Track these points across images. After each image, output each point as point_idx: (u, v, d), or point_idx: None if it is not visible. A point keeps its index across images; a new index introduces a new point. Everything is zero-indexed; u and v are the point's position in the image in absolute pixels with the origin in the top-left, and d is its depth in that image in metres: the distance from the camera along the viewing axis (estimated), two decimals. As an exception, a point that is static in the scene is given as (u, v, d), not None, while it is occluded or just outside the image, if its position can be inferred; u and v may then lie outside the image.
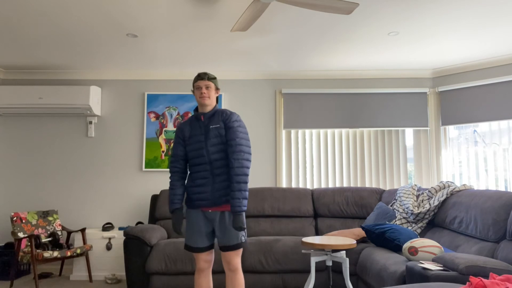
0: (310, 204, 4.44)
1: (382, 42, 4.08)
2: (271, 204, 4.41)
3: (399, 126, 4.95)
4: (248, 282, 3.66)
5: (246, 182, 2.45)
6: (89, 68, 4.99)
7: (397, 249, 3.22)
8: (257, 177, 4.99)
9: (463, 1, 3.20)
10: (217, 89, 2.66)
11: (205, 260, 2.61)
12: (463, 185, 3.57)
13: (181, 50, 4.31)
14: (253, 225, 4.36)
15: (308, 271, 3.65)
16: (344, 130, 5.05)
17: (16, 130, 5.05)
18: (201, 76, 2.60)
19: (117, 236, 4.47)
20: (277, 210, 4.40)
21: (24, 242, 4.20)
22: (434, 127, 4.94)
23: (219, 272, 3.64)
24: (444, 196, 3.53)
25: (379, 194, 4.37)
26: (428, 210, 3.60)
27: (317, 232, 4.36)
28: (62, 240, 4.53)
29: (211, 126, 2.55)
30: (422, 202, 3.79)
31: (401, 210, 3.85)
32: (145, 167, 4.95)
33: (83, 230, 4.39)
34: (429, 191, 3.79)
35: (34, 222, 4.44)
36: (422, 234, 3.65)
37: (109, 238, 4.46)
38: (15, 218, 4.31)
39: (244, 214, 2.43)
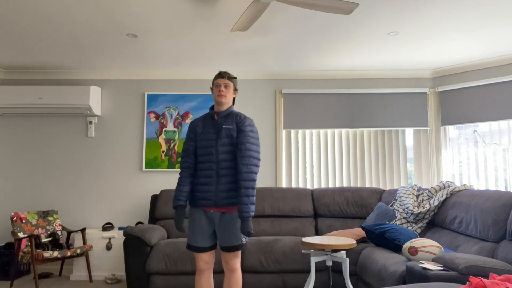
0: (310, 204, 4.44)
1: (382, 42, 4.08)
2: (271, 204, 4.41)
3: (399, 126, 4.95)
4: (248, 282, 3.66)
5: (253, 188, 2.43)
6: (89, 68, 4.99)
7: (397, 249, 3.22)
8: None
9: (463, 1, 3.20)
10: (235, 90, 2.66)
11: (206, 261, 2.59)
12: (463, 185, 3.57)
13: (181, 50, 4.31)
14: (253, 225, 4.36)
15: (308, 271, 3.65)
16: (344, 130, 5.05)
17: (16, 130, 5.05)
18: (221, 75, 2.61)
19: (117, 236, 4.47)
20: (277, 210, 4.40)
21: (24, 242, 4.20)
22: (434, 127, 4.94)
23: (219, 272, 3.64)
24: (444, 196, 3.53)
25: (379, 194, 4.37)
26: (428, 210, 3.60)
27: (317, 232, 4.36)
28: (62, 240, 4.53)
29: (223, 126, 2.54)
30: (422, 202, 3.79)
31: (401, 210, 3.85)
32: (145, 167, 4.95)
33: (83, 230, 4.39)
34: (429, 191, 3.79)
35: (34, 222, 4.44)
36: (422, 234, 3.65)
37: (109, 238, 4.46)
38: (15, 218, 4.31)
39: (251, 219, 2.42)
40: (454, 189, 3.54)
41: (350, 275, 3.57)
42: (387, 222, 3.71)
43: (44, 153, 5.02)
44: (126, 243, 3.69)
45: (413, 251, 2.79)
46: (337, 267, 3.64)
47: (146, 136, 5.00)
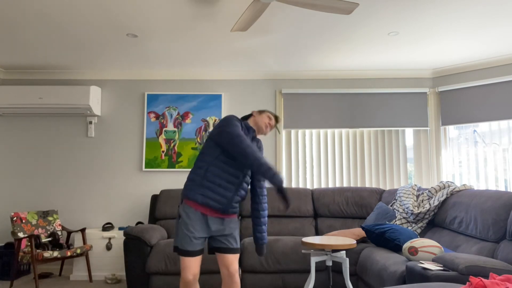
0: (310, 204, 4.44)
1: (382, 42, 4.08)
2: (271, 204, 4.41)
3: (399, 126, 4.95)
4: (248, 282, 3.67)
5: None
6: (89, 68, 4.98)
7: (397, 249, 3.22)
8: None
9: (463, 1, 3.20)
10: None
11: (194, 273, 2.40)
12: (463, 185, 3.57)
13: (181, 50, 4.31)
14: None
15: (308, 271, 3.65)
16: (344, 130, 5.05)
17: (16, 130, 5.05)
18: (277, 120, 2.73)
19: (117, 236, 4.47)
20: (277, 210, 4.40)
21: (24, 242, 4.20)
22: (434, 127, 4.94)
23: (217, 272, 3.64)
24: (444, 196, 3.53)
25: (379, 194, 4.37)
26: (428, 210, 3.60)
27: (317, 232, 4.36)
28: (62, 240, 4.53)
29: (258, 145, 2.69)
30: (422, 202, 3.79)
31: (401, 210, 3.85)
32: (145, 167, 4.95)
33: (83, 230, 4.39)
34: (429, 191, 3.79)
35: (34, 222, 4.44)
36: (422, 234, 3.65)
37: (109, 238, 4.46)
38: (15, 218, 4.31)
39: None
40: (454, 189, 3.54)
41: (350, 275, 3.57)
42: (387, 222, 3.71)
43: (44, 153, 5.02)
44: (126, 243, 3.69)
45: (413, 251, 2.79)
46: (337, 267, 3.64)
47: (146, 136, 5.00)
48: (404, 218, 3.78)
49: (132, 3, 3.22)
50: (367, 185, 4.96)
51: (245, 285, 3.67)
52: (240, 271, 3.71)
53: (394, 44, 4.14)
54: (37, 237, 4.19)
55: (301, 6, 2.79)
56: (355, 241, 3.10)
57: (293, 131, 5.05)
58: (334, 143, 5.04)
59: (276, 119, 2.71)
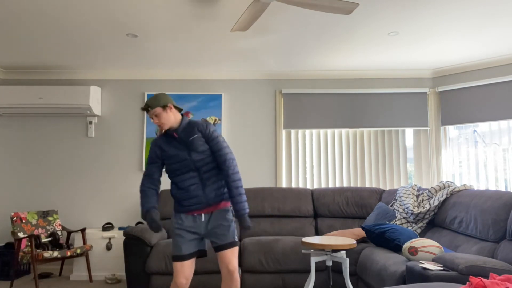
0: (310, 204, 4.44)
1: (382, 42, 4.08)
2: (271, 204, 4.41)
3: (399, 126, 4.95)
4: (248, 282, 3.66)
5: (242, 186, 2.55)
6: (89, 68, 4.99)
7: (397, 249, 3.22)
8: (257, 177, 4.99)
9: (463, 1, 3.20)
10: (165, 106, 2.53)
11: (187, 276, 2.50)
12: (463, 185, 3.57)
13: (181, 50, 4.31)
14: (253, 225, 4.36)
15: (308, 271, 3.65)
16: (344, 130, 5.05)
17: (16, 130, 5.05)
18: (144, 109, 2.57)
19: (117, 236, 4.47)
20: (277, 210, 4.40)
21: (24, 242, 4.20)
22: (434, 127, 4.94)
23: (217, 272, 3.64)
24: (444, 196, 3.53)
25: (379, 194, 4.37)
26: (428, 210, 3.60)
27: (317, 232, 4.36)
28: (62, 240, 4.53)
29: (190, 138, 2.54)
30: (422, 202, 3.79)
31: (401, 210, 3.85)
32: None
33: (83, 230, 4.39)
34: (429, 191, 3.79)
35: (34, 222, 4.44)
36: (422, 234, 3.65)
37: (109, 238, 4.46)
38: (15, 218, 4.31)
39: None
40: (454, 189, 3.54)
41: (350, 275, 3.57)
42: (387, 222, 3.71)
43: (44, 153, 5.02)
44: (126, 243, 3.69)
45: (413, 251, 2.79)
46: (337, 267, 3.64)
47: (146, 136, 5.00)
48: (404, 218, 3.78)
49: (132, 3, 3.22)
50: (367, 185, 4.96)
51: (245, 285, 3.67)
52: (240, 271, 3.71)
53: (394, 44, 4.14)
54: (37, 237, 4.19)
55: (301, 6, 2.79)
56: (355, 241, 3.10)
57: (293, 131, 5.05)
58: (334, 143, 5.04)
59: (144, 110, 2.59)
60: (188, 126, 2.60)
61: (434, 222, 3.64)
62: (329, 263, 3.20)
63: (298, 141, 5.05)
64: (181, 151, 2.55)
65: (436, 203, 3.56)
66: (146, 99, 5.04)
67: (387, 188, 4.94)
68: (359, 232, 3.82)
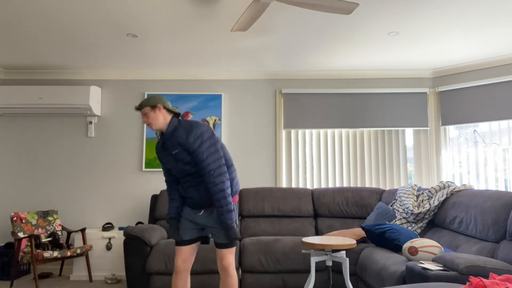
0: (310, 204, 4.44)
1: (382, 42, 4.08)
2: (271, 204, 4.41)
3: (399, 126, 4.95)
4: (248, 282, 3.66)
5: (225, 197, 2.44)
6: (89, 68, 4.99)
7: (397, 249, 3.22)
8: (257, 177, 4.99)
9: (463, 1, 3.20)
10: (154, 107, 2.53)
11: (184, 259, 2.62)
12: (463, 185, 3.57)
13: (181, 50, 4.31)
14: (253, 225, 4.36)
15: (308, 271, 3.65)
16: (344, 130, 5.05)
17: (16, 130, 5.05)
18: (136, 108, 2.59)
19: (117, 236, 4.47)
20: (277, 210, 4.40)
21: (24, 242, 4.20)
22: (434, 127, 4.94)
23: (216, 272, 3.64)
24: (444, 196, 3.53)
25: (379, 194, 4.37)
26: (428, 210, 3.60)
27: (317, 232, 4.36)
28: (62, 240, 4.53)
29: (172, 152, 2.52)
30: (422, 202, 3.79)
31: (401, 210, 3.85)
32: (145, 167, 4.95)
33: (83, 230, 4.39)
34: (429, 191, 3.79)
35: (34, 222, 4.44)
36: (422, 234, 3.65)
37: (109, 238, 4.46)
38: (15, 218, 4.31)
39: (234, 225, 2.48)
40: (454, 189, 3.54)
41: (350, 275, 3.57)
42: (387, 222, 3.71)
43: (44, 153, 5.02)
44: (126, 243, 3.69)
45: (413, 251, 2.79)
46: (337, 267, 3.64)
47: (146, 136, 5.00)
48: (404, 218, 3.78)
49: (132, 3, 3.22)
50: (367, 185, 4.96)
51: (245, 285, 3.67)
52: (240, 271, 3.71)
53: (394, 44, 4.14)
54: (37, 237, 4.19)
55: (301, 6, 2.79)
56: (355, 241, 3.09)
57: (293, 131, 5.05)
58: (334, 143, 5.04)
59: (136, 108, 2.61)
60: (173, 132, 2.54)
61: (434, 222, 3.64)
62: (329, 263, 3.20)
63: (298, 141, 5.05)
64: (170, 159, 2.56)
65: (436, 203, 3.56)
66: (146, 99, 5.03)
67: (387, 188, 4.94)
68: (359, 232, 3.82)
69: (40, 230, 4.45)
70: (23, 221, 4.36)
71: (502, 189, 4.47)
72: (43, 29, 3.75)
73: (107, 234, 4.46)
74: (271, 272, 3.66)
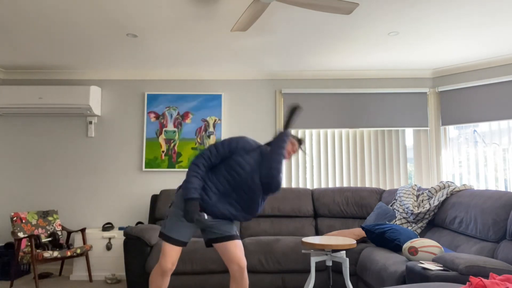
0: (310, 204, 4.44)
1: (382, 42, 4.08)
2: (271, 204, 4.41)
3: (399, 126, 4.95)
4: (248, 282, 3.66)
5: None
6: (89, 68, 4.99)
7: (397, 249, 3.22)
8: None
9: (463, 1, 3.20)
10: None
11: (174, 261, 2.48)
12: (463, 185, 3.57)
13: (181, 50, 4.31)
14: (253, 225, 4.36)
15: (308, 271, 3.65)
16: (344, 130, 5.05)
17: (16, 130, 5.05)
18: (301, 142, 2.70)
19: (117, 236, 4.47)
20: (277, 210, 4.40)
21: (24, 242, 4.20)
22: (434, 127, 4.94)
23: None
24: (444, 196, 3.53)
25: (379, 194, 4.37)
26: (428, 210, 3.60)
27: (317, 232, 4.36)
28: (62, 240, 4.53)
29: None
30: (422, 202, 3.79)
31: (401, 210, 3.85)
32: (145, 167, 4.95)
33: (83, 230, 4.39)
34: (429, 191, 3.79)
35: (34, 222, 4.44)
36: (422, 234, 3.65)
37: (109, 238, 4.46)
38: (15, 218, 4.31)
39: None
40: (454, 189, 3.54)
41: (350, 275, 3.57)
42: (387, 222, 3.71)
43: (44, 153, 5.02)
44: (126, 243, 3.69)
45: (413, 251, 2.79)
46: (337, 267, 3.64)
47: (146, 136, 5.00)
48: (404, 218, 3.78)
49: (132, 3, 3.22)
50: (367, 185, 4.97)
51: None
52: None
53: (394, 44, 4.14)
54: (37, 237, 4.20)
55: (301, 6, 2.79)
56: (355, 241, 3.09)
57: (293, 131, 5.05)
58: (334, 143, 5.04)
59: (300, 142, 2.69)
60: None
61: (434, 222, 3.64)
62: (329, 263, 3.20)
63: (298, 141, 5.04)
64: (255, 168, 2.62)
65: (436, 203, 3.56)
66: (146, 99, 5.04)
67: (387, 188, 4.94)
68: (359, 232, 3.82)
69: (40, 230, 4.45)
70: (23, 221, 4.36)
71: (502, 189, 4.47)
72: (43, 29, 3.75)
73: (107, 234, 4.46)
74: (271, 272, 3.66)
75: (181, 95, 5.06)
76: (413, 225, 3.70)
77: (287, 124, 2.65)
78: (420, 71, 5.02)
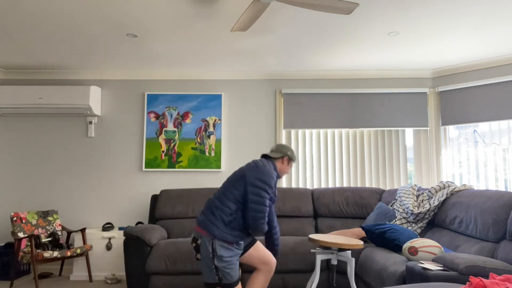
0: (310, 204, 4.44)
1: (382, 42, 4.08)
2: (271, 204, 4.40)
3: (399, 126, 4.95)
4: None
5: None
6: (89, 68, 4.99)
7: (397, 249, 3.22)
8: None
9: (463, 1, 3.20)
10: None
11: None
12: (463, 185, 3.57)
13: (181, 50, 4.31)
14: (253, 225, 4.35)
15: (308, 271, 3.65)
16: (344, 130, 5.05)
17: (16, 130, 5.05)
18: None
19: (117, 236, 4.47)
20: (277, 210, 4.40)
21: (24, 242, 4.20)
22: (434, 127, 4.94)
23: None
24: (444, 196, 3.53)
25: (379, 194, 4.37)
26: (428, 210, 3.60)
27: (317, 232, 4.36)
28: (62, 240, 4.53)
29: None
30: (422, 202, 3.79)
31: (401, 210, 3.85)
32: (145, 167, 4.95)
33: (83, 230, 4.39)
34: (429, 191, 3.79)
35: (34, 222, 4.44)
36: (422, 234, 3.65)
37: (109, 238, 4.46)
38: (15, 218, 4.31)
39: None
40: (454, 189, 3.54)
41: (350, 275, 3.56)
42: (387, 222, 3.71)
43: (44, 153, 5.02)
44: (126, 243, 3.69)
45: (413, 251, 2.79)
46: (337, 267, 3.64)
47: (146, 136, 5.00)
48: (404, 218, 3.78)
49: (132, 3, 3.22)
50: (367, 185, 4.97)
51: (245, 284, 3.67)
52: (240, 271, 3.71)
53: (394, 44, 4.14)
54: (37, 237, 4.20)
55: (301, 6, 2.79)
56: (362, 242, 3.07)
57: (293, 131, 5.05)
58: (334, 143, 5.04)
59: (290, 159, 2.93)
60: None
61: (434, 222, 3.65)
62: (335, 262, 3.16)
63: (298, 141, 5.05)
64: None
65: (436, 203, 3.56)
66: (146, 99, 5.04)
67: (387, 188, 4.94)
68: (359, 232, 3.82)
69: (40, 230, 4.45)
70: (23, 221, 4.36)
71: (502, 189, 4.47)
72: (43, 29, 3.75)
73: (107, 234, 4.46)
74: (271, 272, 3.66)
75: (181, 95, 5.06)
76: (413, 225, 3.70)
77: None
78: (420, 71, 5.02)
